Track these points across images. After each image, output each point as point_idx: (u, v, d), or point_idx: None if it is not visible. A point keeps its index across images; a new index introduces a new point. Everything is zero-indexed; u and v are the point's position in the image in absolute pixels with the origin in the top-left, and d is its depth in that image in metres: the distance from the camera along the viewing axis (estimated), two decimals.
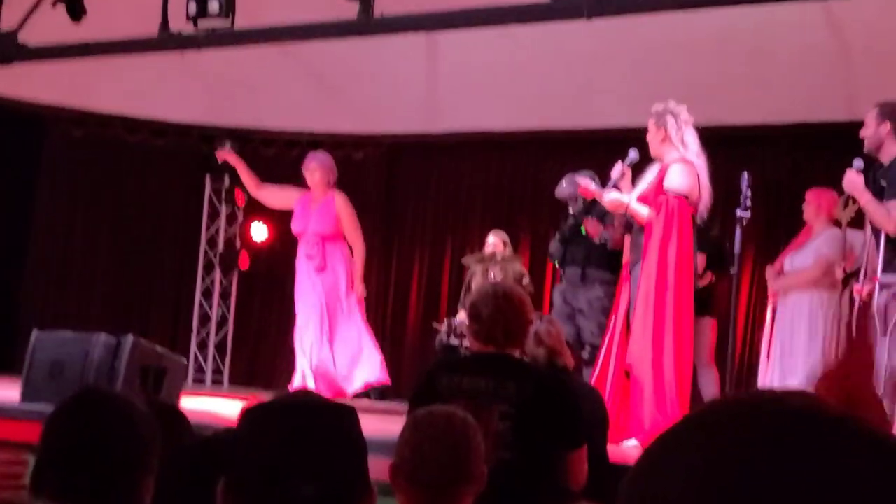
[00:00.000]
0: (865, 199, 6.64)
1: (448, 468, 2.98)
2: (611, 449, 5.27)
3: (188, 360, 12.00)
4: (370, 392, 10.62)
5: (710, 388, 8.62)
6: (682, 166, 7.36)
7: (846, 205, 7.23)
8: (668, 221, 7.27)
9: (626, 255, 8.34)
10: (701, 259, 8.17)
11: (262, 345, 12.97)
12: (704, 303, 8.35)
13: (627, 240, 8.29)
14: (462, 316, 9.89)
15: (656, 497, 0.79)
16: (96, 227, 12.74)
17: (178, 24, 8.46)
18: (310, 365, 9.43)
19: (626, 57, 10.57)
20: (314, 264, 9.52)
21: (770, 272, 8.16)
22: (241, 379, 12.70)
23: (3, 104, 11.86)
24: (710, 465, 0.78)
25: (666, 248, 7.24)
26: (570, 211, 8.95)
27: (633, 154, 7.75)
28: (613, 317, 7.66)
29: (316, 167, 9.65)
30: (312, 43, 9.63)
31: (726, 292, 8.38)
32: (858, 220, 7.39)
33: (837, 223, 7.70)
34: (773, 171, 10.53)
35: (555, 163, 11.71)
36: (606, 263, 8.52)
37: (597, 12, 7.02)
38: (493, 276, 9.58)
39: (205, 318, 13.08)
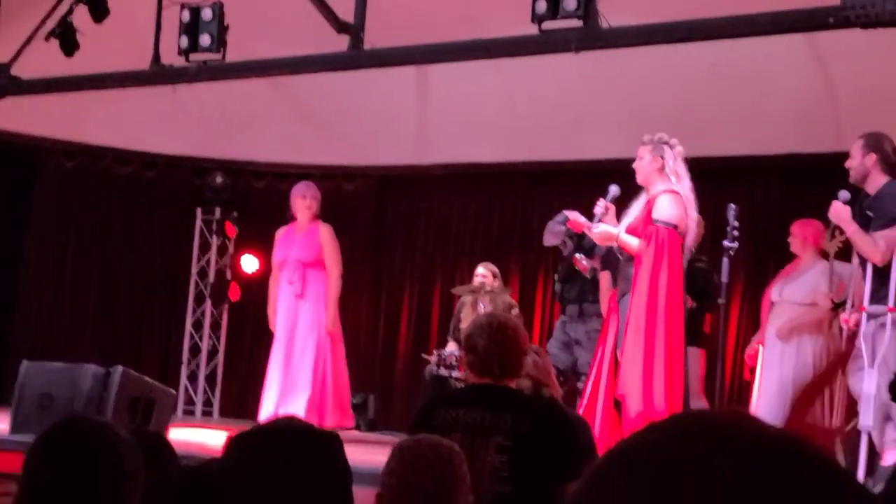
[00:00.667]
0: (852, 229, 6.68)
1: (433, 498, 2.99)
2: None
3: (178, 392, 11.99)
4: (359, 423, 10.61)
5: None
6: (671, 197, 7.36)
7: (833, 236, 7.27)
8: (659, 252, 7.26)
9: (603, 285, 8.55)
10: None
11: (252, 376, 12.89)
12: (692, 333, 8.37)
13: (605, 275, 8.51)
14: (451, 347, 9.93)
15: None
16: (87, 258, 12.74)
17: (170, 57, 8.52)
18: (280, 393, 9.43)
19: (615, 89, 10.63)
20: (294, 290, 9.53)
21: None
22: (232, 411, 12.68)
23: None
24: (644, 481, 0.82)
25: (657, 279, 7.23)
26: (564, 254, 9.17)
27: (614, 190, 7.73)
28: (601, 347, 7.67)
29: (313, 199, 9.68)
30: (303, 76, 9.69)
31: (715, 323, 8.41)
32: (845, 252, 7.44)
33: (825, 254, 7.74)
34: (761, 203, 10.58)
35: (545, 195, 11.76)
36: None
37: (584, 46, 7.08)
38: (482, 308, 9.60)
39: (195, 350, 13.07)
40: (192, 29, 8.22)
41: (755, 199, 10.48)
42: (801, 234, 8.18)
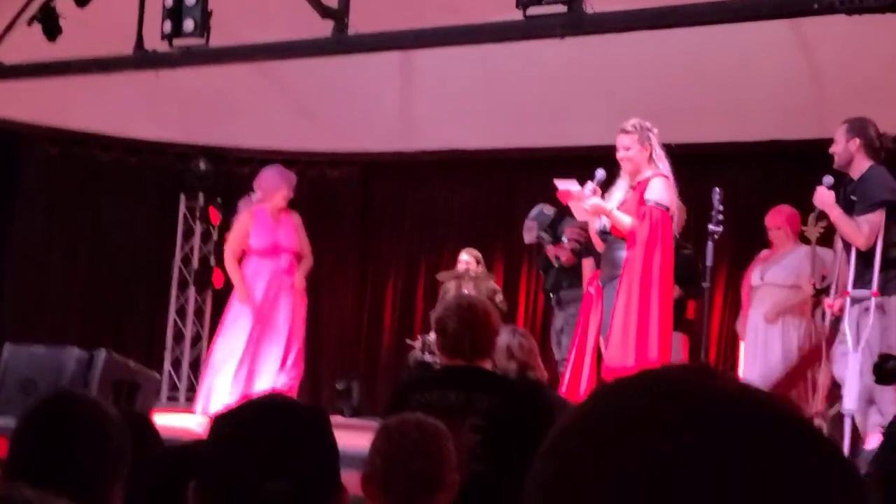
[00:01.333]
0: (836, 214, 6.71)
1: (419, 476, 3.00)
2: None
3: (162, 378, 11.97)
4: (343, 408, 10.61)
5: None
6: (664, 180, 7.30)
7: (816, 220, 7.29)
8: (654, 231, 7.15)
9: (586, 271, 8.52)
10: None
11: None
12: (675, 319, 8.40)
13: (588, 261, 8.49)
14: None
15: (564, 475, 0.81)
16: (72, 244, 12.70)
17: (154, 42, 8.48)
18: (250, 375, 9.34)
19: (600, 76, 10.62)
20: (289, 281, 9.47)
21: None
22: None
23: None
24: (611, 442, 0.79)
25: (651, 259, 7.13)
26: (545, 248, 9.24)
27: (600, 174, 7.53)
28: (579, 330, 7.59)
29: (293, 186, 9.62)
30: (288, 62, 9.67)
31: (700, 308, 8.42)
32: (826, 237, 7.47)
33: (806, 240, 7.76)
34: (745, 189, 10.60)
35: (529, 181, 11.77)
36: (578, 283, 8.71)
37: (570, 32, 7.08)
38: (466, 293, 9.62)
39: (179, 336, 13.05)
40: (175, 14, 8.17)
41: (739, 186, 10.50)
42: (776, 224, 8.23)
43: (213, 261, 13.04)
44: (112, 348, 8.66)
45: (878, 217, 6.60)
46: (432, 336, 9.74)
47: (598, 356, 7.38)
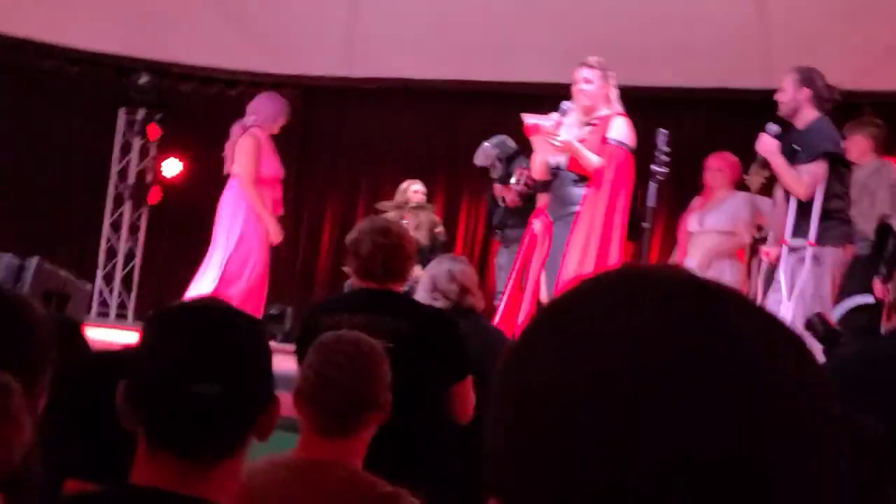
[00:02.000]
0: (778, 161, 6.72)
1: (351, 392, 2.97)
2: None
3: (93, 293, 11.85)
4: (276, 333, 10.55)
5: None
6: (626, 120, 7.17)
7: (759, 169, 7.29)
8: (619, 172, 7.00)
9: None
10: None
11: (168, 280, 12.81)
12: None
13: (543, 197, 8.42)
14: None
15: (527, 383, 0.79)
16: (5, 152, 12.43)
17: None
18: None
19: (548, 12, 10.58)
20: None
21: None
22: (146, 314, 12.54)
23: None
24: (573, 342, 0.78)
25: (615, 199, 6.99)
26: (492, 175, 9.19)
27: (566, 105, 7.23)
28: (518, 263, 7.47)
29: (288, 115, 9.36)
30: None
31: (638, 249, 8.43)
32: (767, 188, 7.49)
33: (746, 188, 7.78)
34: (688, 134, 10.61)
35: (473, 115, 11.74)
36: (522, 222, 8.67)
37: None
38: (406, 223, 9.58)
39: (112, 252, 12.92)
40: None
41: (682, 131, 10.49)
42: (718, 166, 8.25)
43: (149, 177, 12.88)
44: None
45: (819, 168, 6.63)
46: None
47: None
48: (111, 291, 12.83)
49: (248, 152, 8.95)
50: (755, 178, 7.44)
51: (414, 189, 10.14)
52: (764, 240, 7.44)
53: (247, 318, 2.06)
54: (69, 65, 12.49)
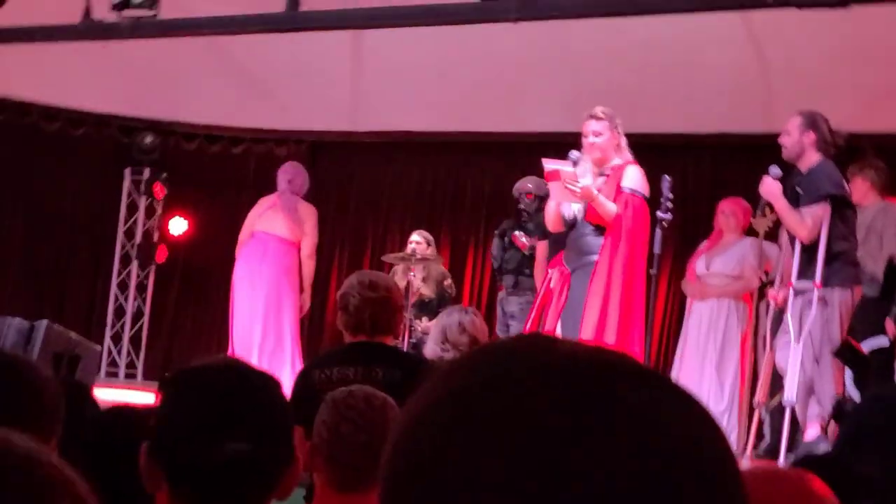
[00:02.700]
0: (781, 204, 6.75)
1: (367, 447, 2.98)
2: None
3: (102, 353, 11.85)
4: None
5: None
6: (638, 169, 7.17)
7: (763, 213, 7.32)
8: (637, 220, 7.02)
9: (540, 255, 8.47)
10: None
11: (177, 339, 12.85)
12: None
13: (542, 245, 8.45)
14: None
15: (415, 452, 0.80)
16: (13, 214, 12.49)
17: (102, 12, 8.36)
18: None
19: (552, 62, 10.63)
20: None
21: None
22: (155, 373, 12.54)
23: None
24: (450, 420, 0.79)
25: (635, 247, 7.00)
26: (520, 206, 9.16)
27: (575, 155, 7.20)
28: (534, 312, 7.47)
29: None
30: (238, 37, 9.59)
31: (646, 294, 8.44)
32: (772, 232, 7.51)
33: (753, 233, 7.81)
34: (692, 180, 10.66)
35: (478, 166, 11.79)
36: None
37: (524, 16, 7.06)
38: (413, 276, 9.59)
39: (120, 311, 12.93)
40: None
41: (686, 177, 10.54)
42: (731, 211, 8.28)
43: (156, 236, 12.93)
44: (52, 321, 8.55)
45: (822, 210, 6.66)
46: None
47: None
48: (120, 351, 12.83)
49: (316, 223, 9.08)
50: (762, 221, 7.49)
51: (411, 239, 10.07)
52: (772, 283, 7.46)
53: (267, 377, 2.07)
54: (73, 126, 12.56)
